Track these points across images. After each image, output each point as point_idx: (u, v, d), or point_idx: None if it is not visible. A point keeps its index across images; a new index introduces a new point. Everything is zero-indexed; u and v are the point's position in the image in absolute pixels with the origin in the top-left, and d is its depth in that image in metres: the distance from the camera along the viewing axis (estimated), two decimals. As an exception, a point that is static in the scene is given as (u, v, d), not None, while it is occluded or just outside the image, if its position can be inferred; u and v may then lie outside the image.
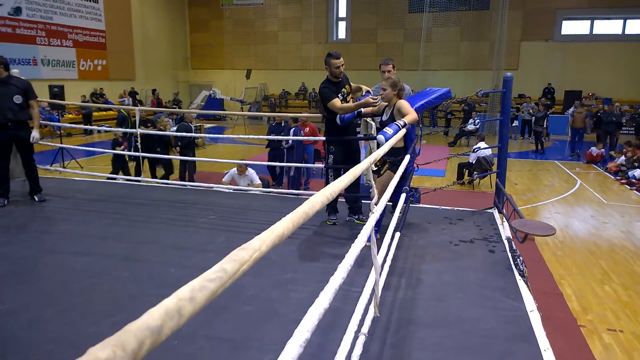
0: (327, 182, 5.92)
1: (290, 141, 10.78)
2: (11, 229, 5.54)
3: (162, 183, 9.10)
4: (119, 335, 0.60)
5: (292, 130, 10.57)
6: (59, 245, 5.04)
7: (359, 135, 6.18)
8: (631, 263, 7.68)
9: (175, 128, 13.49)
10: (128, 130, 10.31)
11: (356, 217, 6.02)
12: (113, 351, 0.56)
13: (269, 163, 10.61)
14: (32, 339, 3.24)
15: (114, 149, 10.94)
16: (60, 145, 12.45)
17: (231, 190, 8.00)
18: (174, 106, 27.29)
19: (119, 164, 11.09)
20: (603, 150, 17.09)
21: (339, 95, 5.60)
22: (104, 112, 24.46)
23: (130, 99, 26.22)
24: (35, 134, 6.62)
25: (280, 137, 10.07)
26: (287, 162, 10.55)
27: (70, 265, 4.47)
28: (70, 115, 22.29)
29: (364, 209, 5.96)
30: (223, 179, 9.57)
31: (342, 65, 5.62)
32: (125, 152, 10.41)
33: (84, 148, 12.27)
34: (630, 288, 6.74)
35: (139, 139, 7.87)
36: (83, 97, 20.13)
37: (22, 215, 6.13)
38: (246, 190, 8.21)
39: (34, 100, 6.61)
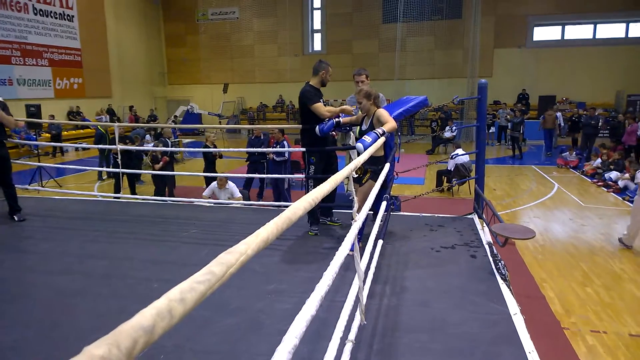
0: (306, 192, 5.95)
1: (286, 154, 10.83)
2: (-10, 250, 5.47)
3: (149, 199, 9.03)
4: (113, 334, 0.61)
5: (283, 142, 10.62)
6: (40, 265, 4.98)
7: (338, 145, 6.23)
8: (611, 264, 7.79)
9: (152, 144, 13.44)
10: (107, 146, 10.25)
11: (328, 218, 6.11)
12: (108, 349, 0.57)
13: (251, 175, 10.60)
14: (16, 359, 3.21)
15: (152, 167, 10.89)
16: (38, 164, 12.32)
17: (212, 204, 7.98)
18: (151, 122, 27.16)
19: (159, 181, 11.03)
20: (576, 154, 17.35)
21: (322, 100, 5.72)
22: (81, 130, 24.27)
23: (108, 116, 26.04)
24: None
25: (263, 150, 10.08)
26: (280, 174, 10.49)
27: (52, 284, 4.42)
28: (47, 135, 22.07)
29: (346, 217, 5.98)
30: (203, 193, 9.53)
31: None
32: (159, 172, 10.31)
33: (64, 166, 12.12)
34: (612, 289, 6.83)
35: (119, 156, 7.82)
36: (51, 117, 19.83)
37: (2, 235, 6.06)
38: (227, 204, 8.19)
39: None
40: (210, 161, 11.03)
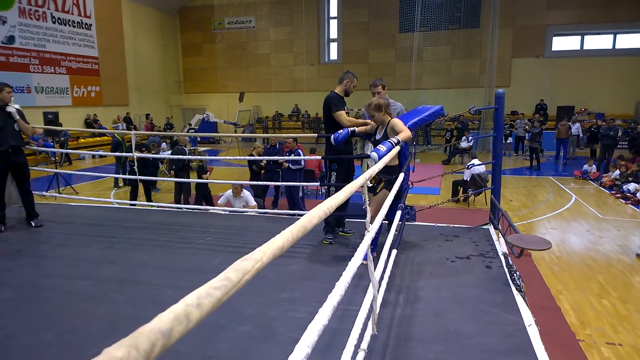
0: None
1: (302, 162, 10.87)
2: (9, 255, 5.54)
3: (165, 206, 9.09)
4: (133, 337, 0.62)
5: (297, 151, 10.63)
6: (57, 270, 5.03)
7: (355, 154, 6.24)
8: (628, 277, 7.70)
9: (169, 152, 13.53)
10: (123, 154, 10.33)
11: (340, 229, 6.14)
12: (127, 351, 0.58)
13: (265, 183, 10.62)
14: (31, 364, 3.24)
15: (199, 177, 10.98)
16: (55, 170, 12.46)
17: (227, 212, 8.01)
18: (167, 131, 27.36)
19: (201, 190, 11.12)
20: (594, 166, 17.21)
21: (346, 108, 5.81)
22: (98, 138, 24.49)
23: (125, 124, 26.27)
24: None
25: (279, 158, 10.09)
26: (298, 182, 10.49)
27: (68, 289, 4.46)
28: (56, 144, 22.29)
29: (360, 227, 5.98)
30: (218, 201, 9.57)
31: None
32: (197, 180, 10.37)
33: (81, 173, 12.27)
34: (628, 301, 6.76)
35: (135, 163, 7.89)
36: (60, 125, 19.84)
37: (20, 241, 6.13)
38: (242, 212, 8.22)
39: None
40: (255, 172, 11.06)
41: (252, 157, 10.21)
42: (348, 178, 5.93)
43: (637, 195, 12.96)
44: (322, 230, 5.87)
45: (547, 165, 20.23)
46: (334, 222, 5.94)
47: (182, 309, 0.74)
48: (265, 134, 26.96)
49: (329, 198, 1.87)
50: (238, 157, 17.74)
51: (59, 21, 23.79)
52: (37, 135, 18.29)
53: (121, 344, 0.60)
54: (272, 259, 1.09)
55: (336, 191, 5.92)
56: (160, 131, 26.47)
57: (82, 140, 23.95)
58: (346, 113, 5.78)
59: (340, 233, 6.11)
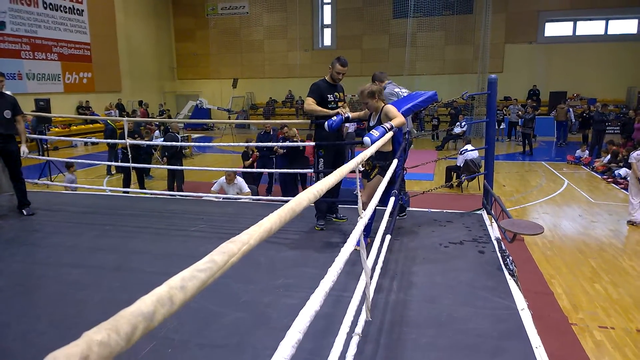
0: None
1: (302, 148, 10.80)
2: (0, 243, 5.51)
3: (158, 194, 9.06)
4: (113, 319, 0.61)
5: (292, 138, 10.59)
6: (50, 258, 5.01)
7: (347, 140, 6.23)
8: (620, 261, 7.75)
9: (162, 139, 13.48)
10: (116, 141, 10.28)
11: (333, 215, 6.13)
12: (108, 334, 0.57)
13: (260, 170, 10.60)
14: (26, 351, 3.23)
15: (243, 165, 10.89)
16: (47, 158, 12.39)
17: (220, 199, 8.00)
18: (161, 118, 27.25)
19: (250, 178, 11.04)
20: (587, 152, 17.25)
21: (330, 96, 5.75)
22: (90, 125, 24.36)
23: (117, 111, 26.13)
24: (24, 148, 6.64)
25: (272, 144, 10.07)
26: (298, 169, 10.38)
27: (61, 277, 4.45)
28: (56, 129, 22.19)
29: (353, 214, 5.98)
30: (212, 188, 9.55)
31: (343, 74, 5.78)
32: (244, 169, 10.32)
33: (73, 160, 12.20)
34: (620, 285, 6.81)
35: (128, 151, 7.86)
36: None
37: (12, 229, 6.09)
38: (236, 199, 8.20)
39: (20, 115, 6.65)
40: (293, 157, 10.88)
41: (269, 145, 10.14)
42: (337, 164, 5.90)
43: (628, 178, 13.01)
44: (314, 216, 5.86)
45: (540, 151, 20.28)
46: (325, 209, 5.93)
47: (166, 292, 0.73)
48: (259, 120, 26.90)
49: (319, 181, 1.86)
50: (232, 144, 17.70)
51: (50, 7, 23.58)
52: (27, 123, 18.17)
53: (101, 327, 0.59)
54: (259, 242, 1.08)
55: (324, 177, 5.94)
56: (157, 117, 26.39)
57: (74, 127, 23.77)
58: (333, 100, 5.77)
59: (333, 219, 6.10)
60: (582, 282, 6.93)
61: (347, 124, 5.98)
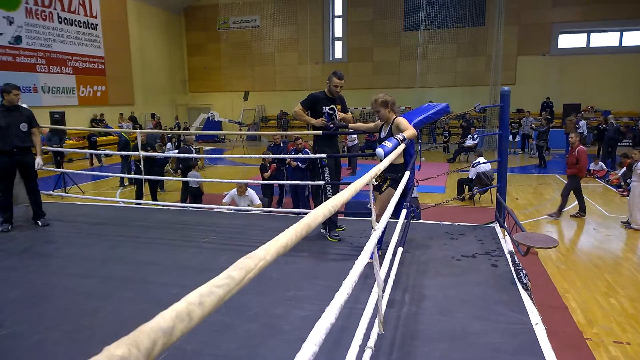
0: (323, 198, 5.94)
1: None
2: (16, 254, 5.56)
3: (170, 205, 9.10)
4: (133, 335, 0.62)
5: (305, 150, 10.60)
6: (64, 269, 5.05)
7: (356, 153, 6.24)
8: (636, 275, 7.67)
9: (174, 151, 13.55)
10: (129, 153, 10.34)
11: (328, 233, 5.93)
12: (128, 349, 0.58)
13: (271, 182, 10.60)
14: (38, 362, 3.25)
15: (262, 177, 10.95)
16: (62, 170, 12.51)
17: (232, 211, 8.02)
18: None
19: (267, 190, 11.09)
20: (601, 164, 17.11)
21: (325, 107, 5.90)
22: (104, 137, 24.54)
23: (131, 123, 26.32)
24: (39, 160, 6.72)
25: (286, 156, 10.07)
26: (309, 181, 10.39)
27: (74, 288, 4.48)
28: (71, 142, 22.37)
29: (367, 226, 5.97)
30: (223, 200, 9.58)
31: (341, 86, 5.93)
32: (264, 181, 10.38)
33: (87, 172, 12.29)
34: (636, 300, 6.72)
35: (141, 163, 7.90)
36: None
37: (27, 239, 6.15)
38: (247, 211, 8.22)
39: (36, 128, 6.74)
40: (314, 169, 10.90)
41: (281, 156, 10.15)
42: (337, 173, 6.04)
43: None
44: (326, 229, 5.86)
45: (554, 163, 20.15)
46: (336, 219, 5.93)
47: (184, 307, 0.74)
48: (268, 132, 26.99)
49: (333, 197, 1.86)
50: (244, 156, 17.76)
51: (65, 21, 23.86)
52: (42, 135, 18.32)
53: (122, 342, 0.60)
54: (275, 258, 1.09)
55: (332, 189, 5.97)
56: (170, 130, 26.51)
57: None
58: (328, 113, 5.91)
59: (328, 238, 5.90)
60: (597, 296, 6.86)
61: (349, 138, 6.07)
